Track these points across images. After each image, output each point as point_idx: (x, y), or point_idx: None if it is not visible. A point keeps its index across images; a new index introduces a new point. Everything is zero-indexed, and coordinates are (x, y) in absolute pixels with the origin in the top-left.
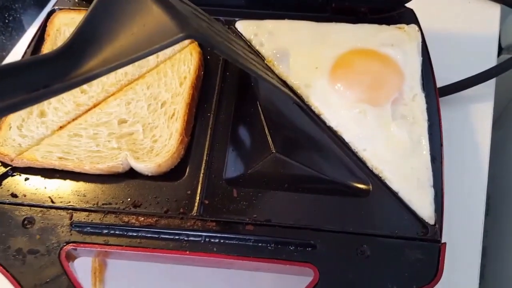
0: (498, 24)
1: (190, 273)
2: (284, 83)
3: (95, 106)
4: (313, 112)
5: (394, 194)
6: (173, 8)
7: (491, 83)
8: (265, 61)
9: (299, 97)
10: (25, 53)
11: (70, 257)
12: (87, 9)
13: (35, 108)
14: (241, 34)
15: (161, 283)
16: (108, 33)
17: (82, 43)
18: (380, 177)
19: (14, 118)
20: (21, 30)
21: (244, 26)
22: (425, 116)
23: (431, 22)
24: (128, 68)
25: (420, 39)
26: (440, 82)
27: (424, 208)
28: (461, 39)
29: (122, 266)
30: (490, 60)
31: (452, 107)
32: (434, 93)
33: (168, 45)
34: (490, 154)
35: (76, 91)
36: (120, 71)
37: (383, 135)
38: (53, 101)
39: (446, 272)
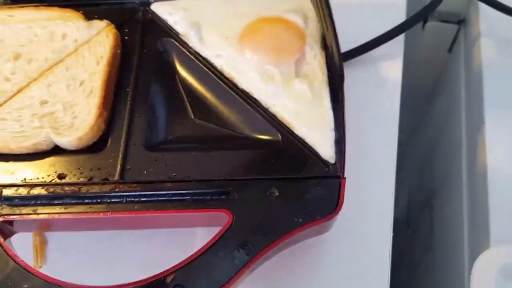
0: None
1: (126, 245)
2: (198, 55)
3: (18, 92)
4: (226, 78)
5: (300, 141)
6: None
7: (400, 40)
8: (181, 36)
9: (212, 66)
10: None
11: (4, 232)
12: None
13: None
14: (157, 15)
15: (102, 257)
16: None
17: None
18: (288, 127)
19: None
20: None
21: (159, 7)
22: (325, 72)
23: None
24: (49, 54)
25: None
26: (351, 46)
27: (326, 150)
28: (370, 4)
29: (63, 242)
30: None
31: (364, 68)
32: (336, 51)
33: None
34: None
35: (0, 80)
36: (41, 57)
37: (288, 91)
38: None
39: (359, 223)
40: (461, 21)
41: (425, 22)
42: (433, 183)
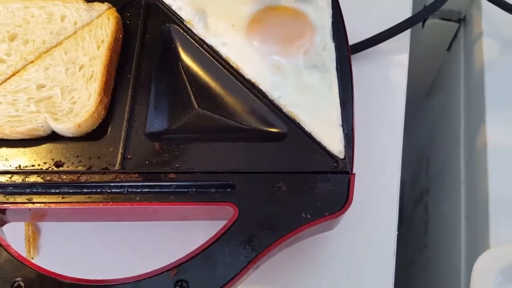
0: None
1: (125, 237)
2: (203, 42)
3: (14, 74)
4: (231, 67)
5: (308, 135)
6: None
7: (406, 36)
8: (185, 23)
9: (218, 54)
10: None
11: None
12: None
13: None
14: (162, 0)
15: (96, 248)
16: None
17: None
18: (295, 120)
19: None
20: None
21: None
22: (334, 64)
23: None
24: (46, 36)
25: None
26: (358, 39)
27: (335, 145)
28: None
29: (57, 233)
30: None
31: (369, 61)
32: (345, 43)
33: None
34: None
35: None
36: (38, 39)
37: (296, 83)
38: None
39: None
40: (461, 20)
41: (425, 20)
42: (428, 180)
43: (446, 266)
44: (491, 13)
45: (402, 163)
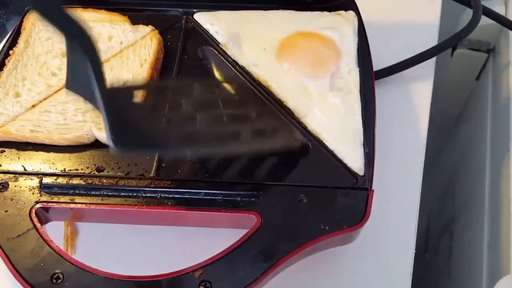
0: (439, 12)
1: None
2: (236, 63)
3: (64, 87)
4: (262, 86)
5: (330, 152)
6: None
7: (431, 64)
8: (221, 45)
9: (249, 75)
10: (3, 45)
11: (41, 218)
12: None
13: (11, 90)
14: (199, 24)
15: (129, 248)
16: None
17: None
18: (319, 138)
19: None
20: (4, 33)
21: (201, 17)
22: (358, 87)
23: (377, 11)
24: None
25: (356, 23)
26: (383, 66)
27: (355, 163)
28: (404, 27)
29: (93, 234)
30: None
31: (394, 87)
32: (369, 68)
33: None
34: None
35: (47, 74)
36: None
37: (321, 104)
38: (27, 83)
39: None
40: (490, 50)
41: (454, 49)
42: (454, 209)
43: None
44: None
45: (430, 192)
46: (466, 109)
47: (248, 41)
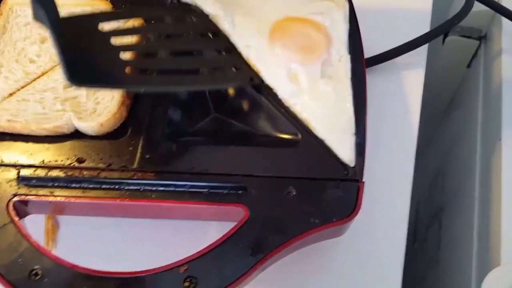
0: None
1: (140, 234)
2: (227, 40)
3: (42, 74)
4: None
5: (320, 142)
6: None
7: (423, 51)
8: (210, 17)
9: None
10: None
11: (19, 211)
12: None
13: None
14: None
15: (111, 243)
16: None
17: None
18: (309, 128)
19: None
20: None
21: None
22: (349, 75)
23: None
24: None
25: (347, 9)
26: (374, 53)
27: (346, 153)
28: (396, 13)
29: (75, 228)
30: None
31: (385, 74)
32: (360, 55)
33: None
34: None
35: (25, 61)
36: None
37: (312, 92)
38: (4, 70)
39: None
40: (482, 37)
41: (445, 36)
42: (444, 198)
43: (457, 283)
44: (511, 32)
45: (419, 180)
46: (457, 97)
47: (240, 18)
